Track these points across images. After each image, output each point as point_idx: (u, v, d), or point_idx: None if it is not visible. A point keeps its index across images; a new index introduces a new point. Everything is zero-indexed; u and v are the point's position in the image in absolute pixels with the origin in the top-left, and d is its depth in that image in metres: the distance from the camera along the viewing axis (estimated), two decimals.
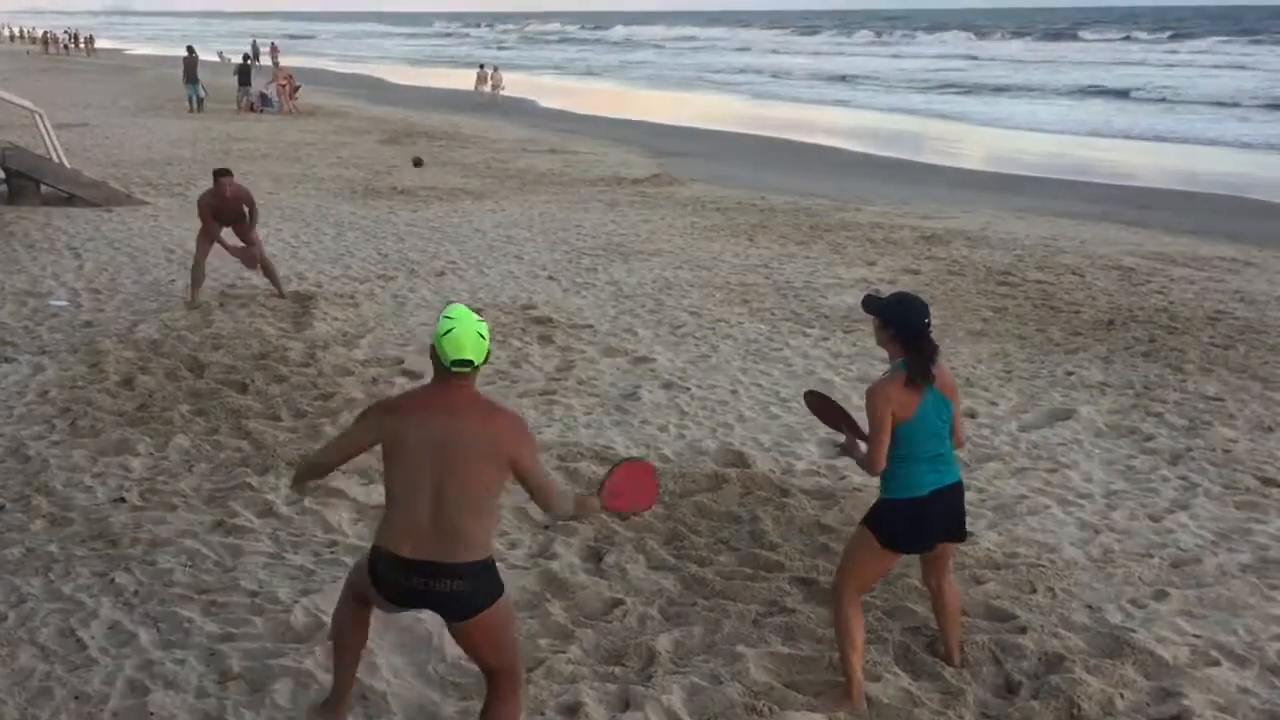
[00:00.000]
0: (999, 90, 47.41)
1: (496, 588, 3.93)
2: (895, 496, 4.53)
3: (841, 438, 4.75)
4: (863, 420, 4.55)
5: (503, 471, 3.88)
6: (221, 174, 10.90)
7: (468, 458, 3.80)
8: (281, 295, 11.34)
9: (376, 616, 4.43)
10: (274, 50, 52.92)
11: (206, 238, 10.94)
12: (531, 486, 3.98)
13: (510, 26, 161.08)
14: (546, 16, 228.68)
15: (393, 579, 3.89)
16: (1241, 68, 55.83)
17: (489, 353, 3.93)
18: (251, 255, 11.11)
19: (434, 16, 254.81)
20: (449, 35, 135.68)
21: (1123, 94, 43.64)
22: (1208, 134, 30.66)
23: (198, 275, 11.06)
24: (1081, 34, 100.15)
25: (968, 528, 6.21)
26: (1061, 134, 31.89)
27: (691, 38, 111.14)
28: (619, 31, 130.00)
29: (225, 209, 10.88)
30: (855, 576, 4.66)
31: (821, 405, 4.85)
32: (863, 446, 4.55)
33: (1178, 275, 13.01)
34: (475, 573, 3.85)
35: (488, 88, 42.17)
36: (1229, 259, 14.15)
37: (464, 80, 50.14)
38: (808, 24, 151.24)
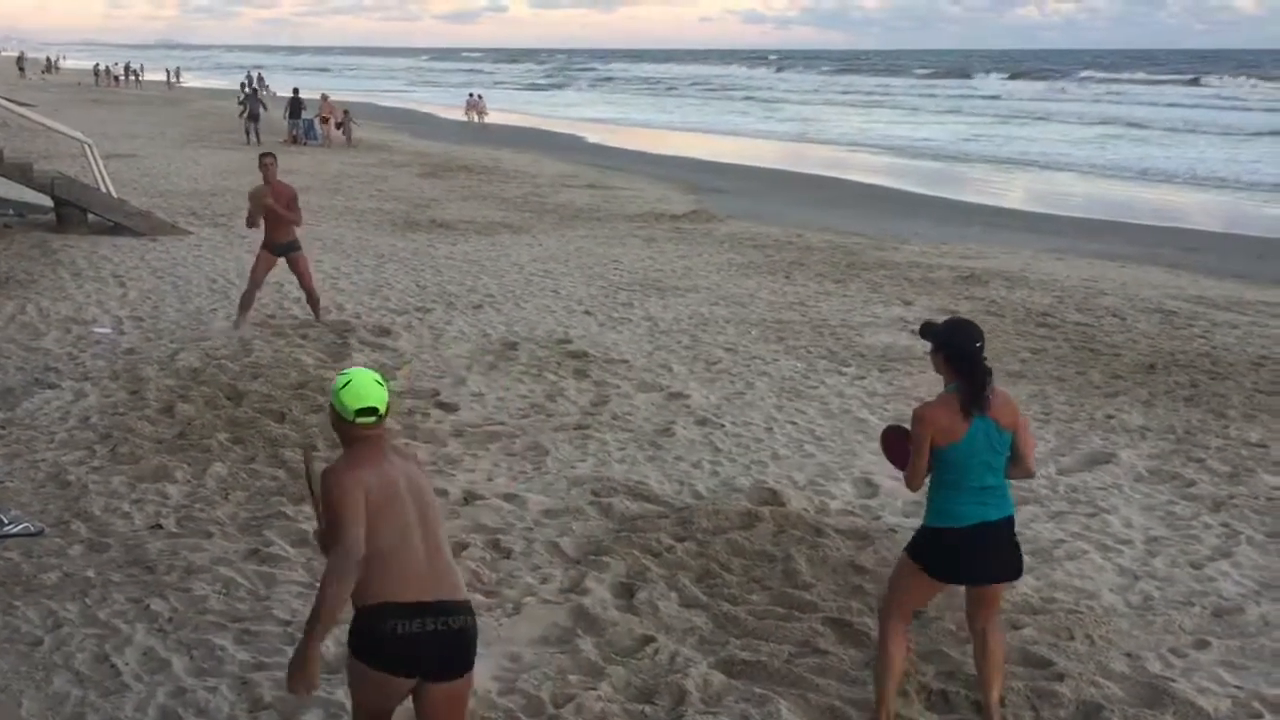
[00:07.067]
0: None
1: None
2: (936, 524, 4.47)
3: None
4: None
5: None
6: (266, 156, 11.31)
7: (431, 497, 3.79)
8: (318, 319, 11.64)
9: None
10: (260, 81, 56.17)
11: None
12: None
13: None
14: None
15: (405, 630, 3.55)
16: None
17: (389, 405, 3.80)
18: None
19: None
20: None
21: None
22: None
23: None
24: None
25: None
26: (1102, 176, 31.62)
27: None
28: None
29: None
30: (898, 604, 4.63)
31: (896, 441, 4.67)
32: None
33: (1221, 319, 12.86)
34: (472, 613, 3.74)
35: (476, 116, 46.52)
36: (1273, 303, 13.96)
37: (506, 116, 50.82)
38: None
